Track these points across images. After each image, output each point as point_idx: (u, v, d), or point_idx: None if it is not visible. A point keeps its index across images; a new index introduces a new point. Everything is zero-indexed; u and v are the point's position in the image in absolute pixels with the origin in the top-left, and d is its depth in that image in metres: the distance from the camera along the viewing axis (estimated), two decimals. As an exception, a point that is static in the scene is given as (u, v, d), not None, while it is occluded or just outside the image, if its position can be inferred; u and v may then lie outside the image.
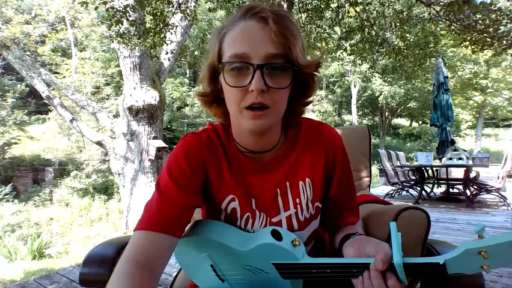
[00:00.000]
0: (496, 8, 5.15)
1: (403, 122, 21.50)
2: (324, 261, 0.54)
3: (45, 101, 7.20)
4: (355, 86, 16.85)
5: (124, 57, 5.63)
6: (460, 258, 0.48)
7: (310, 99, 0.65)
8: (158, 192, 0.58)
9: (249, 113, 0.54)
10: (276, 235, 0.57)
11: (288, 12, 0.63)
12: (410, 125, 19.92)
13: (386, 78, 15.34)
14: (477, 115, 16.78)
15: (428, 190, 5.81)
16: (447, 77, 6.02)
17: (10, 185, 10.49)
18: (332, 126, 0.75)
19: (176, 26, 5.18)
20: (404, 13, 6.75)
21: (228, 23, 0.58)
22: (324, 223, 0.72)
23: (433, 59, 8.20)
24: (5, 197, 10.06)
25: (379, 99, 16.27)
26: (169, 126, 14.17)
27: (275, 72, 0.53)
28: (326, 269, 0.54)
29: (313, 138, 0.66)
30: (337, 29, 6.80)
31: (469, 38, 5.81)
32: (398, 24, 6.74)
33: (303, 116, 0.69)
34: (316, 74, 0.61)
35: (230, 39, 0.56)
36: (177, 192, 0.57)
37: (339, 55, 7.77)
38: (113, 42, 5.01)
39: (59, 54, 12.12)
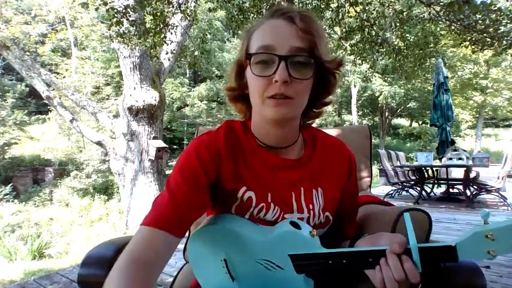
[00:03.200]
0: (496, 8, 5.14)
1: (403, 122, 21.47)
2: (340, 251, 0.55)
3: (45, 101, 7.20)
4: (355, 86, 16.83)
5: (124, 57, 5.63)
6: (469, 242, 0.50)
7: (329, 99, 0.67)
8: (167, 191, 0.59)
9: (271, 101, 0.56)
10: (295, 226, 0.58)
11: (313, 14, 0.65)
12: (410, 125, 19.90)
13: (386, 78, 15.33)
14: (477, 115, 16.76)
15: (428, 190, 5.81)
16: (447, 77, 6.02)
17: (10, 185, 10.49)
18: (332, 126, 0.78)
19: (177, 26, 5.17)
20: (404, 13, 6.75)
21: (256, 23, 0.61)
22: None
23: (433, 59, 8.19)
24: (5, 197, 10.05)
25: (379, 99, 16.26)
26: (169, 126, 14.16)
27: (299, 65, 0.55)
28: (342, 259, 0.54)
29: (331, 152, 0.70)
30: (337, 29, 6.79)
31: (469, 38, 5.80)
32: (398, 24, 6.74)
33: (317, 119, 0.72)
34: (338, 72, 0.63)
35: (257, 35, 0.58)
36: (187, 192, 0.58)
37: (339, 55, 7.76)
38: (113, 42, 5.00)
39: (59, 54, 12.12)
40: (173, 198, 0.57)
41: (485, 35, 5.46)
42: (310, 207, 0.65)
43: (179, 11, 4.61)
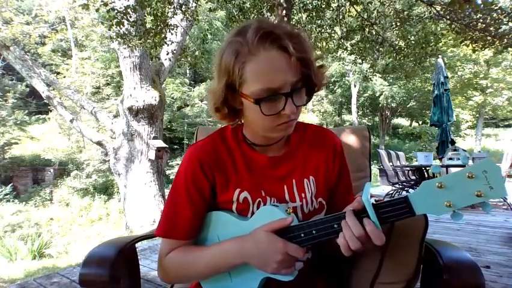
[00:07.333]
0: (497, 7, 5.14)
1: (403, 122, 21.46)
2: (308, 222, 0.60)
3: (45, 101, 7.21)
4: (355, 86, 16.83)
5: (124, 57, 5.63)
6: (421, 194, 0.52)
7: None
8: (172, 201, 0.69)
9: (282, 126, 0.63)
10: (274, 205, 0.66)
11: (300, 30, 0.66)
12: (410, 125, 19.90)
13: (386, 78, 15.33)
14: (477, 115, 16.74)
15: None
16: (447, 77, 6.02)
17: (10, 185, 10.51)
18: (332, 126, 0.79)
19: (177, 27, 5.17)
20: (405, 12, 6.75)
21: (245, 48, 0.58)
22: None
23: (433, 58, 8.18)
24: (5, 197, 10.07)
25: (379, 99, 16.25)
26: (169, 126, 14.16)
27: (299, 92, 0.62)
28: (311, 229, 0.59)
29: (317, 142, 0.75)
30: (337, 28, 6.80)
31: (469, 37, 5.79)
32: (398, 23, 6.74)
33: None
34: (324, 83, 0.70)
35: (255, 70, 0.58)
36: (191, 204, 0.68)
37: (340, 54, 7.77)
38: (113, 42, 5.01)
39: (59, 54, 12.13)
40: (181, 209, 0.67)
41: (486, 33, 5.45)
42: (303, 195, 0.70)
43: (180, 11, 4.61)
